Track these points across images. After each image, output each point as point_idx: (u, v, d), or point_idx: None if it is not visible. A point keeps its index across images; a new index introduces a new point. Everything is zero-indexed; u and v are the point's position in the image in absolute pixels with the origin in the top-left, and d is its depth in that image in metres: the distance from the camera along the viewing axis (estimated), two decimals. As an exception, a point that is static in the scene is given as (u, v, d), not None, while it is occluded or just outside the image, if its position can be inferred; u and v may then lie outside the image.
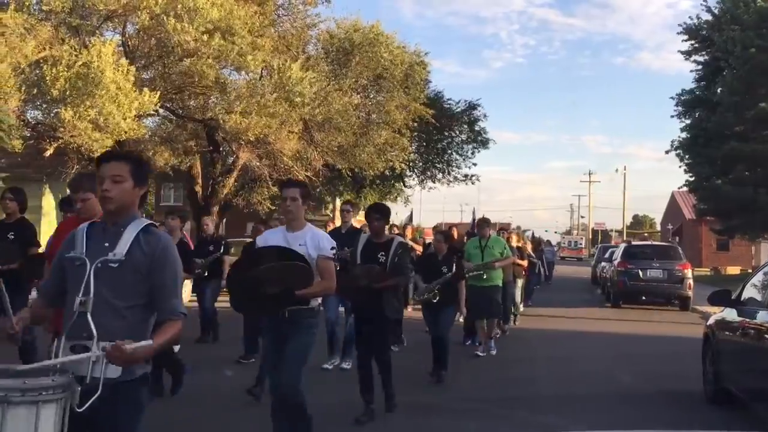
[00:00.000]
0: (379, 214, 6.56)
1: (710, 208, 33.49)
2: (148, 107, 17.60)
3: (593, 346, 12.09)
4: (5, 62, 15.66)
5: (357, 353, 6.74)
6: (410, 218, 18.21)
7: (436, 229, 14.56)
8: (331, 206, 35.06)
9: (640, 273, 18.43)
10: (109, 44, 16.90)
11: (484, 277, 10.01)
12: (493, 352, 10.22)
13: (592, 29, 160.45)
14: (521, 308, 15.33)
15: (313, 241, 4.89)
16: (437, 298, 8.24)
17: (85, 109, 15.98)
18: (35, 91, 16.69)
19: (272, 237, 5.04)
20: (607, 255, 24.83)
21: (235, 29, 17.61)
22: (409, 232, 13.84)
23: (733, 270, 36.69)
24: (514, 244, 13.49)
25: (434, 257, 8.76)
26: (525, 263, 14.46)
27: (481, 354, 10.04)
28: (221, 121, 18.92)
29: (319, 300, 5.00)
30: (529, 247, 17.93)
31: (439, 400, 7.25)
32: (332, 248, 4.93)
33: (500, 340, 11.46)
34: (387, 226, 9.91)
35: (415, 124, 24.51)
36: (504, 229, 14.29)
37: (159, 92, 17.79)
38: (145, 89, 17.30)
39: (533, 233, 25.40)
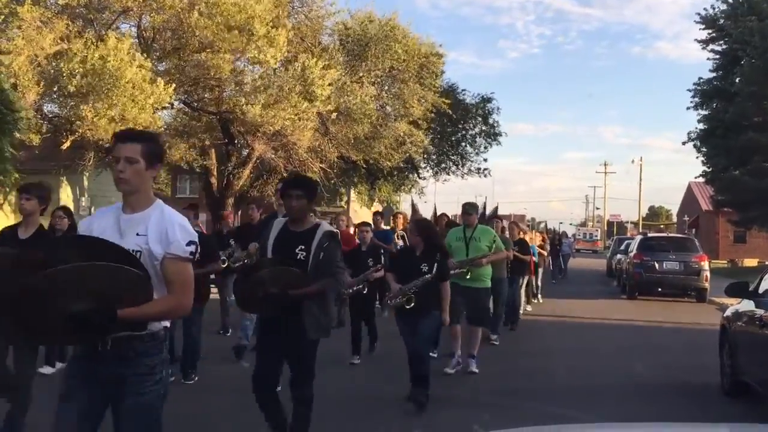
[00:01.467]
0: (300, 189, 4.69)
1: (727, 199, 33.21)
2: (164, 99, 17.73)
3: (609, 338, 12.05)
4: (23, 55, 15.79)
5: (254, 387, 4.84)
6: (412, 207, 17.23)
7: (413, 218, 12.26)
8: (345, 198, 35.13)
9: (657, 265, 18.33)
10: (126, 39, 16.99)
11: (468, 276, 8.12)
12: (475, 370, 8.17)
13: (609, 19, 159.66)
14: (527, 308, 14.32)
15: (160, 229, 3.11)
16: (412, 303, 6.56)
17: (105, 108, 16.17)
18: (54, 85, 16.85)
19: (99, 221, 3.25)
20: (622, 247, 24.73)
21: (253, 27, 17.68)
22: (400, 221, 12.24)
23: (751, 262, 36.36)
24: (519, 235, 12.36)
25: (411, 253, 6.98)
26: (530, 258, 13.03)
27: (450, 371, 7.98)
28: (240, 113, 19.01)
29: (165, 324, 3.21)
30: (538, 239, 17.06)
31: (451, 392, 7.25)
32: (190, 243, 3.14)
33: (506, 338, 11.01)
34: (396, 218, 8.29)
35: (432, 115, 24.44)
36: (496, 218, 12.38)
37: (174, 85, 17.91)
38: (159, 79, 17.40)
39: (531, 223, 25.07)
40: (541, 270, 17.01)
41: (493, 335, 10.44)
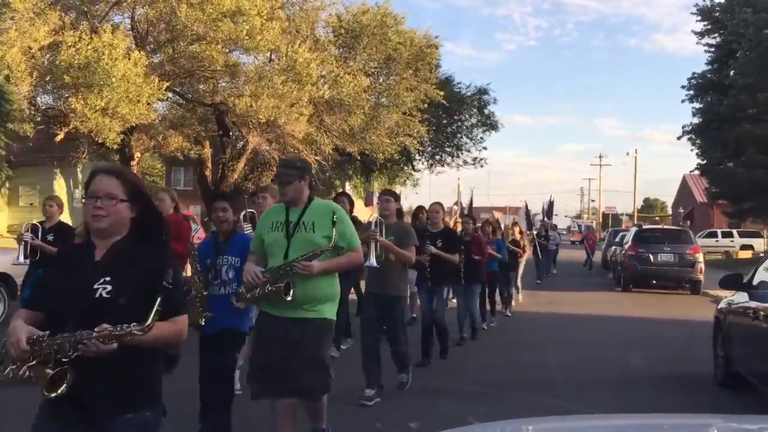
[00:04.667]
0: None
1: (722, 191, 33.34)
2: (159, 95, 17.72)
3: (603, 329, 12.07)
4: (16, 47, 15.71)
5: None
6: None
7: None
8: (340, 190, 35.07)
9: (651, 257, 18.36)
10: (121, 37, 16.93)
11: (288, 297, 4.10)
12: None
13: (605, 10, 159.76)
14: (485, 325, 10.83)
15: None
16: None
17: (95, 99, 16.11)
18: (48, 77, 16.80)
19: None
20: (617, 239, 24.77)
21: (245, 11, 17.62)
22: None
23: (745, 254, 36.45)
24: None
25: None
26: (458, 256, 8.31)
27: None
28: (231, 104, 18.97)
29: None
30: (509, 232, 13.79)
31: (447, 384, 7.26)
32: None
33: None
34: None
35: (426, 106, 24.37)
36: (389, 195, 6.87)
37: (168, 82, 17.88)
38: (154, 77, 17.35)
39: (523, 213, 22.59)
40: (513, 274, 13.43)
41: (401, 373, 6.85)
